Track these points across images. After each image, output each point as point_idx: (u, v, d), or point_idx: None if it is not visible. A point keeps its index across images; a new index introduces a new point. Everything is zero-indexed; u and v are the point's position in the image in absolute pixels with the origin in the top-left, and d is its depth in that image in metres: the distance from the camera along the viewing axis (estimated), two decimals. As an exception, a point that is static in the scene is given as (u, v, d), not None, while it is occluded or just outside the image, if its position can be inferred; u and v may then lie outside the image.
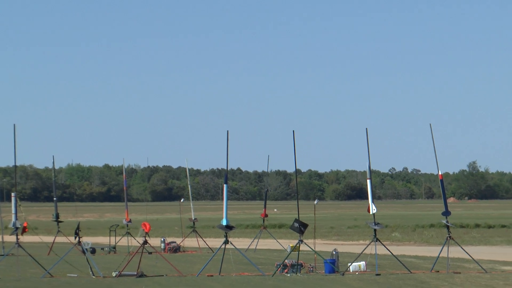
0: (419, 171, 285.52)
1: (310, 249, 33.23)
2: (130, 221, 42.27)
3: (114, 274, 30.33)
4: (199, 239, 44.05)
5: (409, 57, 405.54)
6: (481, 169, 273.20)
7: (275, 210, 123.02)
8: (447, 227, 32.06)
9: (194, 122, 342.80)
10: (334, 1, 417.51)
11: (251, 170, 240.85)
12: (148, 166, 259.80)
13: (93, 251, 39.95)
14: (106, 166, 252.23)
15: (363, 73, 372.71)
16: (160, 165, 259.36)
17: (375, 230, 31.75)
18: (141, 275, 29.80)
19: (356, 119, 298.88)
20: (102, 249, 45.28)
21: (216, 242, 43.97)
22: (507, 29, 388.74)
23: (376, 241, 31.52)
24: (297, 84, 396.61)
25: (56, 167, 64.56)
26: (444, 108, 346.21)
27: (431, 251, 41.47)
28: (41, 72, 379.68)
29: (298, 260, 31.59)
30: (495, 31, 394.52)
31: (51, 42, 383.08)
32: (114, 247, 44.84)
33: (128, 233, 43.11)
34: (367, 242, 36.98)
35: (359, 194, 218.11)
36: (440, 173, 32.42)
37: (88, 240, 38.15)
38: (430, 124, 32.08)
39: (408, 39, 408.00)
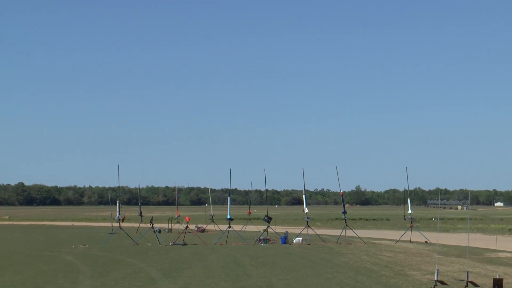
0: (330, 190, 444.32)
1: (273, 231, 61.32)
2: (179, 215, 68.19)
3: (170, 243, 55.94)
4: (215, 225, 72.23)
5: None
6: (362, 189, 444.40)
7: (255, 210, 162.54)
8: (345, 220, 59.68)
9: (213, 160, 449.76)
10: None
11: (242, 189, 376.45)
12: (188, 187, 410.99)
13: (159, 231, 68.66)
14: (166, 187, 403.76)
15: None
16: (194, 186, 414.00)
17: (307, 221, 58.97)
18: (185, 244, 55.15)
19: (294, 157, 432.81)
20: (164, 230, 75.02)
21: (224, 227, 63.48)
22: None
23: (308, 227, 58.89)
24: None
25: (141, 186, 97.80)
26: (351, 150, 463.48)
27: (337, 232, 68.19)
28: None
29: (267, 237, 58.38)
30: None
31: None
32: (170, 230, 74.73)
33: (178, 222, 70.54)
34: (303, 227, 64.87)
35: (299, 202, 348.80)
36: (341, 191, 60.34)
37: (156, 225, 66.69)
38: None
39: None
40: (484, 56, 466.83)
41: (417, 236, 61.62)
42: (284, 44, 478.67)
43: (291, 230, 75.87)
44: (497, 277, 21.35)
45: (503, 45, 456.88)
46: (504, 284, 20.77)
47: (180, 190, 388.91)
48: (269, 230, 60.30)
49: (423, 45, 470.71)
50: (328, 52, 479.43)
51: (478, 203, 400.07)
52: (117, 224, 59.69)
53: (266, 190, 64.47)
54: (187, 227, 59.60)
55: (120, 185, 58.89)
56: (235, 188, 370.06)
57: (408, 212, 60.19)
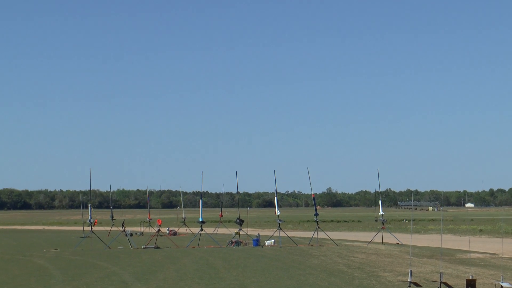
0: (301, 192, 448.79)
1: (245, 234, 61.31)
2: (150, 219, 68.41)
3: (142, 246, 56.05)
4: (187, 228, 72.13)
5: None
6: (333, 191, 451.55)
7: (226, 212, 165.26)
8: (316, 222, 59.77)
9: (184, 162, 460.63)
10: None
11: (213, 192, 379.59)
12: (160, 190, 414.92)
13: (131, 235, 68.44)
14: (138, 190, 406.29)
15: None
16: (166, 189, 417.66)
17: (279, 223, 59.14)
18: (157, 247, 55.40)
19: (266, 159, 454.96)
20: (136, 233, 74.57)
21: (196, 230, 65.48)
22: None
23: (280, 229, 59.03)
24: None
25: (112, 190, 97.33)
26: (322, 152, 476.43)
27: (309, 234, 68.87)
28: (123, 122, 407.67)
29: (239, 239, 58.67)
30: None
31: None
32: (142, 233, 74.29)
33: (150, 225, 70.55)
34: (275, 229, 65.00)
35: (270, 205, 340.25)
36: (312, 193, 60.50)
37: (128, 229, 66.56)
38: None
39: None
40: (454, 60, 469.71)
41: (389, 237, 61.95)
42: (260, 51, 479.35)
43: (263, 232, 75.95)
44: (470, 277, 21.51)
45: (472, 49, 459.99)
46: (477, 285, 20.95)
47: (151, 193, 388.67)
48: (241, 232, 60.37)
49: (396, 51, 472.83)
50: (302, 57, 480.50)
51: (449, 204, 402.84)
52: (89, 228, 59.46)
53: (238, 192, 64.50)
54: (159, 230, 59.64)
55: (91, 189, 58.70)
56: (207, 191, 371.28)
57: (379, 213, 60.44)
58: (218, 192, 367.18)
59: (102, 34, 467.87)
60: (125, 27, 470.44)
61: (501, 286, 20.88)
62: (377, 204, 65.34)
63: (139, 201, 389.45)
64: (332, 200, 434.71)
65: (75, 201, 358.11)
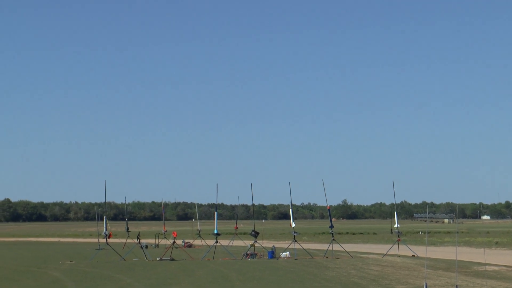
0: (317, 204, 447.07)
1: (260, 246, 61.27)
2: (166, 231, 68.46)
3: (157, 258, 55.90)
4: (202, 240, 72.11)
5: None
6: (349, 203, 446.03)
7: (241, 225, 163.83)
8: (332, 234, 59.71)
9: (199, 174, 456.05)
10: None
11: (228, 204, 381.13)
12: (175, 202, 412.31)
13: (146, 247, 68.47)
14: (153, 202, 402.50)
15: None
16: (181, 201, 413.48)
17: (294, 235, 59.09)
18: (172, 259, 55.28)
19: (281, 171, 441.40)
20: (151, 245, 74.69)
21: (211, 242, 65.24)
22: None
23: (295, 241, 58.96)
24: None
25: (127, 202, 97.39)
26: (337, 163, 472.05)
27: (324, 246, 68.52)
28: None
29: (254, 251, 58.56)
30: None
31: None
32: (157, 245, 74.36)
33: (165, 237, 70.63)
34: (290, 241, 64.90)
35: (286, 217, 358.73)
36: (328, 205, 60.41)
37: (143, 241, 66.52)
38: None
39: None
40: (474, 70, 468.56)
41: (404, 249, 61.70)
42: (272, 58, 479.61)
43: (278, 244, 75.80)
44: (485, 290, 21.42)
45: (496, 55, 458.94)
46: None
47: (166, 205, 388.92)
48: (256, 244, 60.30)
49: (412, 55, 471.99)
50: (314, 66, 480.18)
51: (464, 216, 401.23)
52: (104, 240, 59.48)
53: (253, 204, 64.55)
54: (174, 242, 59.50)
55: (106, 201, 58.69)
56: (222, 203, 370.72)
57: (395, 225, 60.30)
58: (233, 204, 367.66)
59: (119, 48, 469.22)
60: (140, 39, 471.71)
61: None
62: (392, 216, 65.28)
63: (154, 213, 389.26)
64: (348, 212, 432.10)
65: (90, 213, 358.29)
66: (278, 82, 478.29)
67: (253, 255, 57.30)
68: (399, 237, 60.58)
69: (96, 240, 76.46)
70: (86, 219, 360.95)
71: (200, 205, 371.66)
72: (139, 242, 59.81)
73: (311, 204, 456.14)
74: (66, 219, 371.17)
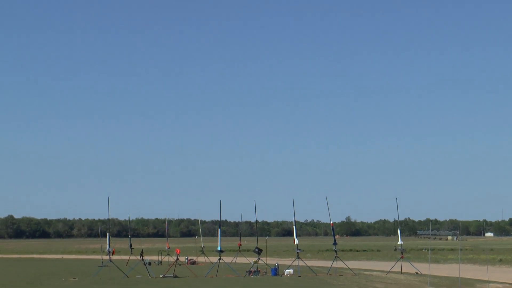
0: (320, 220, 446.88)
1: (264, 263, 61.22)
2: (169, 247, 68.57)
3: (161, 275, 55.98)
4: (206, 257, 72.07)
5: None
6: (352, 220, 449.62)
7: (245, 242, 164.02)
8: (335, 251, 59.68)
9: (203, 191, 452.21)
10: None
11: (232, 221, 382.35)
12: (179, 218, 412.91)
13: (149, 263, 68.48)
14: (156, 219, 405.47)
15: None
16: (185, 217, 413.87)
17: (297, 252, 59.08)
18: (175, 276, 55.37)
19: (284, 188, 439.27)
20: (155, 262, 74.54)
21: (214, 259, 66.29)
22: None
23: (298, 258, 58.91)
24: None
25: (131, 218, 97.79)
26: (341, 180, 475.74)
27: (328, 263, 68.52)
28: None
29: (257, 268, 58.57)
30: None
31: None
32: (161, 262, 74.15)
33: (168, 254, 70.72)
34: (293, 258, 64.87)
35: (289, 233, 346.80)
36: (331, 222, 60.42)
37: (147, 257, 66.61)
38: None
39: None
40: (475, 85, 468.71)
41: (408, 267, 61.61)
42: (273, 72, 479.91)
43: (282, 261, 75.76)
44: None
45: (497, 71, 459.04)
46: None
47: (170, 222, 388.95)
48: (260, 261, 60.25)
49: (413, 72, 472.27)
50: (317, 83, 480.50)
51: (468, 233, 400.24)
52: (107, 257, 59.48)
53: (257, 221, 64.38)
54: (177, 259, 59.62)
55: (110, 217, 58.78)
56: (226, 220, 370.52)
57: (398, 242, 60.17)
58: (236, 220, 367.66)
59: (126, 61, 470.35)
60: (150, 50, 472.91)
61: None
62: (396, 233, 65.09)
63: (157, 229, 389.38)
64: (351, 229, 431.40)
65: (93, 229, 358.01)
66: (282, 98, 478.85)
67: (257, 272, 57.46)
68: (402, 254, 60.47)
69: (99, 256, 76.47)
70: (90, 235, 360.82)
71: (203, 222, 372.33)
72: (142, 259, 60.08)
73: (315, 221, 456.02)
74: (69, 235, 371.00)
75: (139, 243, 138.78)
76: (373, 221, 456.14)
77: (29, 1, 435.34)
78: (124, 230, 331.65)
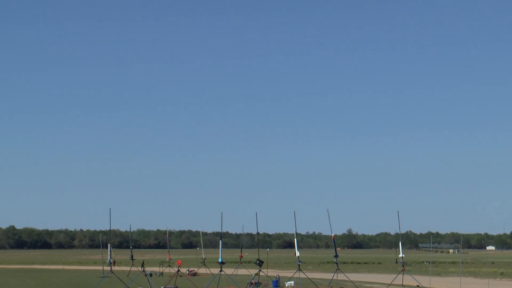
0: (322, 233, 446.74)
1: (265, 275, 61.23)
2: (170, 259, 68.54)
3: (162, 287, 56.06)
4: (207, 269, 72.08)
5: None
6: (354, 232, 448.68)
7: (246, 253, 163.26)
8: (336, 263, 59.70)
9: (204, 203, 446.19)
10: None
11: (233, 232, 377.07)
12: (180, 230, 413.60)
13: (151, 275, 68.49)
14: (158, 230, 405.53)
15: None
16: (186, 229, 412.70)
17: (299, 265, 59.11)
18: (176, 287, 56.46)
19: (286, 200, 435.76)
20: (156, 274, 74.57)
21: (215, 270, 65.44)
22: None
23: (299, 270, 58.94)
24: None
25: (132, 230, 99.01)
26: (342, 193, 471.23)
27: (329, 276, 68.65)
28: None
29: (258, 280, 58.64)
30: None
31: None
32: (162, 273, 74.23)
33: (169, 265, 70.71)
34: (294, 270, 64.92)
35: (290, 245, 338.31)
36: (332, 235, 60.44)
37: (148, 269, 66.64)
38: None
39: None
40: (479, 98, 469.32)
41: (409, 279, 61.63)
42: (275, 83, 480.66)
43: (283, 273, 75.76)
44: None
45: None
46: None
47: (171, 233, 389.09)
48: (261, 273, 60.08)
49: (418, 81, 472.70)
50: (318, 94, 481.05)
51: (469, 246, 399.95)
52: (109, 268, 59.51)
53: (258, 233, 64.31)
54: (178, 270, 59.71)
55: (111, 228, 58.87)
56: (227, 231, 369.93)
57: (399, 255, 60.18)
58: (238, 232, 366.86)
59: (127, 71, 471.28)
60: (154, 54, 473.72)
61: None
62: (397, 246, 65.10)
63: (159, 241, 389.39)
64: (353, 241, 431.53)
65: (95, 240, 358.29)
66: (284, 110, 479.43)
67: (258, 284, 57.41)
68: (403, 267, 60.47)
69: (100, 267, 76.50)
70: (91, 246, 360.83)
71: (205, 234, 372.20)
72: (144, 270, 60.08)
73: (316, 233, 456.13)
74: (71, 246, 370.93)
75: (140, 254, 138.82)
76: (374, 233, 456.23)
77: None
78: (125, 241, 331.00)
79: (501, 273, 79.05)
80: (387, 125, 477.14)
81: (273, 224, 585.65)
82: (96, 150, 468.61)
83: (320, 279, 67.78)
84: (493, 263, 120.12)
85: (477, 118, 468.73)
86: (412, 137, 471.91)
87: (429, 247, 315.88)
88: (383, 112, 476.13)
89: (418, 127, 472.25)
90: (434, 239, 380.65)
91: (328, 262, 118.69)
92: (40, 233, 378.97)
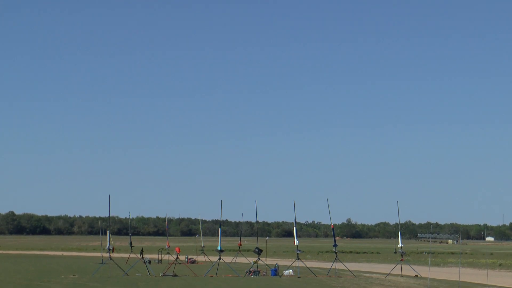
0: (321, 222, 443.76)
1: (264, 263, 61.22)
2: (169, 246, 68.47)
3: (160, 274, 55.81)
4: (206, 256, 72.08)
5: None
6: (353, 222, 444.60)
7: (245, 242, 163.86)
8: (335, 252, 59.66)
9: (204, 191, 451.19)
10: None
11: (232, 220, 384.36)
12: (179, 217, 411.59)
13: (149, 262, 68.52)
14: (157, 217, 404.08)
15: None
16: (185, 217, 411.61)
17: (297, 253, 59.02)
18: (175, 275, 55.16)
19: (285, 189, 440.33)
20: (154, 261, 74.64)
21: (214, 258, 66.60)
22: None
23: (298, 259, 58.86)
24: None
25: (131, 217, 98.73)
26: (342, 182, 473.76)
27: (328, 265, 68.44)
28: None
29: (257, 269, 58.53)
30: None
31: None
32: (161, 260, 74.29)
33: (168, 253, 70.64)
34: (293, 259, 64.91)
35: (290, 234, 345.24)
36: (332, 224, 60.41)
37: (146, 256, 66.65)
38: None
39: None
40: (477, 90, 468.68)
41: (408, 269, 61.60)
42: (278, 75, 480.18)
43: (282, 262, 75.73)
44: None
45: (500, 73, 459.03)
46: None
47: (170, 220, 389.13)
48: (260, 262, 60.28)
49: (419, 71, 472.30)
50: (319, 85, 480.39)
51: (468, 237, 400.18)
52: (107, 254, 59.46)
53: (257, 221, 64.38)
54: (177, 258, 59.63)
55: (110, 215, 58.84)
56: (226, 220, 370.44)
57: (398, 245, 60.15)
58: (237, 221, 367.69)
59: (126, 60, 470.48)
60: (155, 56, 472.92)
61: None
62: (396, 236, 65.09)
63: (158, 228, 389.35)
64: (352, 231, 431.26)
65: (94, 227, 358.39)
66: (284, 98, 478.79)
67: (256, 272, 57.38)
68: (402, 257, 60.46)
69: (99, 254, 76.54)
70: (90, 233, 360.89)
71: (204, 221, 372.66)
72: (142, 257, 60.00)
73: (315, 222, 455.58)
74: (70, 232, 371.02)
75: (139, 242, 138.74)
76: (373, 223, 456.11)
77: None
78: (124, 228, 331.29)
79: (500, 264, 79.05)
80: (387, 115, 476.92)
81: (273, 213, 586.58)
82: (96, 136, 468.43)
83: (319, 268, 67.73)
84: (492, 254, 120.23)
85: (477, 110, 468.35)
86: (412, 127, 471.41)
87: (428, 238, 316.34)
88: (382, 102, 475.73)
89: (418, 118, 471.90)
90: (433, 230, 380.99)
91: (327, 251, 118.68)
92: (39, 219, 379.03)
